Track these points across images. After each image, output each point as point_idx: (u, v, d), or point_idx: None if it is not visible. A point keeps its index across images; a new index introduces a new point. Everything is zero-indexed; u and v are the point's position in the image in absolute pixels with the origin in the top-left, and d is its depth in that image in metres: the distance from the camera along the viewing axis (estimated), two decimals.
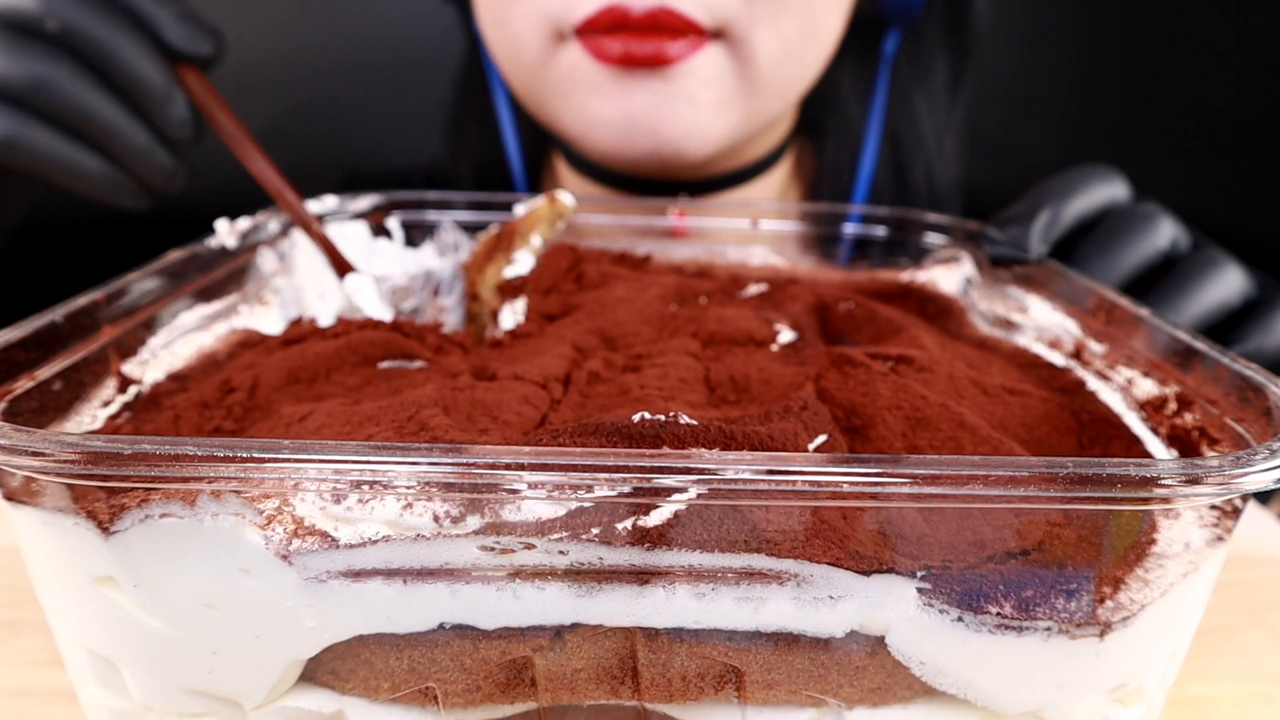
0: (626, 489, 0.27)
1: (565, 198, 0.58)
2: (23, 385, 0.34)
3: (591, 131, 0.66)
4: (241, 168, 0.55)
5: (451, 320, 0.55)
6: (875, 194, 0.81)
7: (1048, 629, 0.29)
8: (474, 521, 0.28)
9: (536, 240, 0.56)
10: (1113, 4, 1.22)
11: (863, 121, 0.81)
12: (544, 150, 0.83)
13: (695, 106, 0.63)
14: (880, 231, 0.63)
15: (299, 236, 0.55)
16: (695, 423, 0.32)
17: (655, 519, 0.28)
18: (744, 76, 0.64)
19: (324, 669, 0.31)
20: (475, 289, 0.56)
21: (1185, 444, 0.38)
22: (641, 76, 0.62)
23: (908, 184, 0.82)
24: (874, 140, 0.81)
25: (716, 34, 0.62)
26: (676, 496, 0.28)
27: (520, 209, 0.59)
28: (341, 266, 0.56)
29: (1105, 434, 0.39)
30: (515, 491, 0.28)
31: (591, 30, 0.62)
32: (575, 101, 0.65)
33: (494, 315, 0.52)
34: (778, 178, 0.80)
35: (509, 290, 0.53)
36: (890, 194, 0.81)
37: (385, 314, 0.53)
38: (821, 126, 0.82)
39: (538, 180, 0.84)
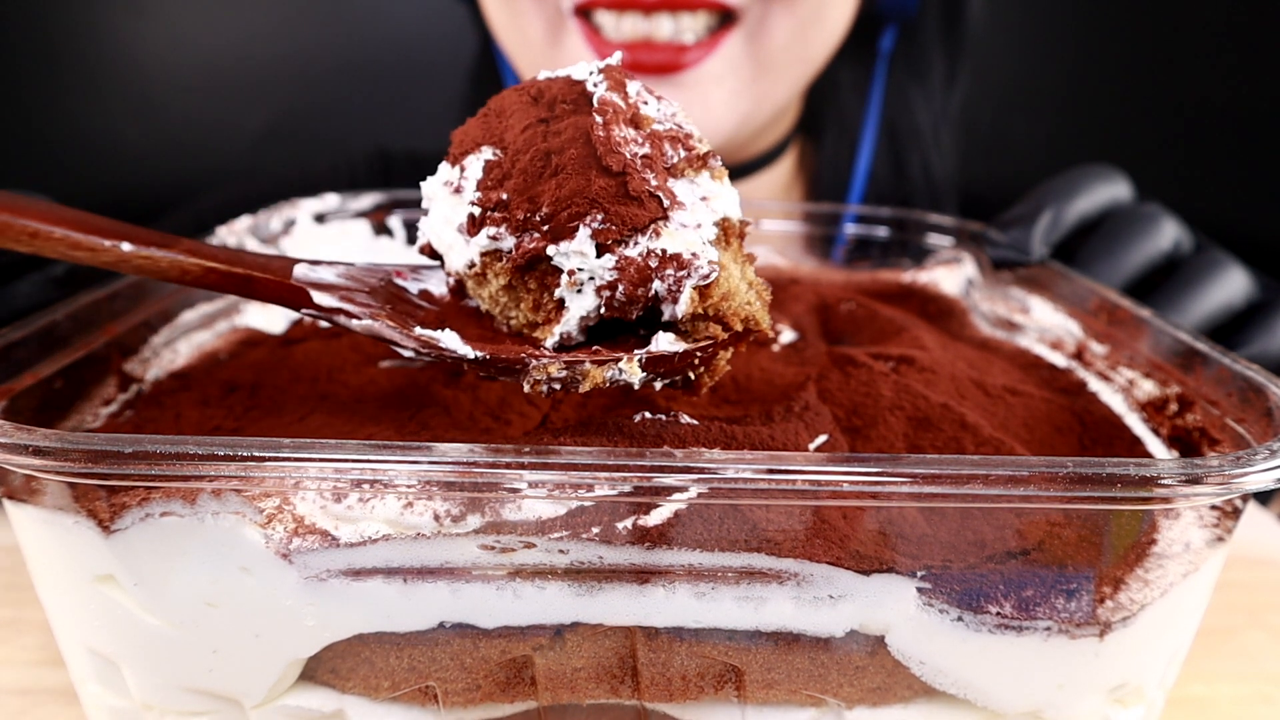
0: (627, 488, 0.27)
1: None
2: (24, 383, 0.34)
3: None
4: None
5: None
6: (873, 186, 0.83)
7: (1047, 629, 0.29)
8: (474, 520, 0.28)
9: None
10: (1109, 1, 1.22)
11: (860, 116, 0.84)
12: None
13: (707, 104, 0.66)
14: (882, 232, 0.63)
15: (300, 234, 0.55)
16: (696, 422, 0.32)
17: (655, 518, 0.28)
18: (756, 60, 0.67)
19: (324, 667, 0.31)
20: None
21: (1186, 444, 0.38)
22: (646, 78, 0.64)
23: (905, 176, 0.84)
24: (871, 134, 0.83)
25: (732, 17, 0.65)
26: (677, 496, 0.28)
27: None
28: None
29: (1106, 434, 0.39)
30: (516, 491, 0.28)
31: (602, 4, 0.63)
32: None
33: None
34: (781, 172, 0.82)
35: None
36: (888, 186, 0.83)
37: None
38: (821, 122, 0.84)
39: None
